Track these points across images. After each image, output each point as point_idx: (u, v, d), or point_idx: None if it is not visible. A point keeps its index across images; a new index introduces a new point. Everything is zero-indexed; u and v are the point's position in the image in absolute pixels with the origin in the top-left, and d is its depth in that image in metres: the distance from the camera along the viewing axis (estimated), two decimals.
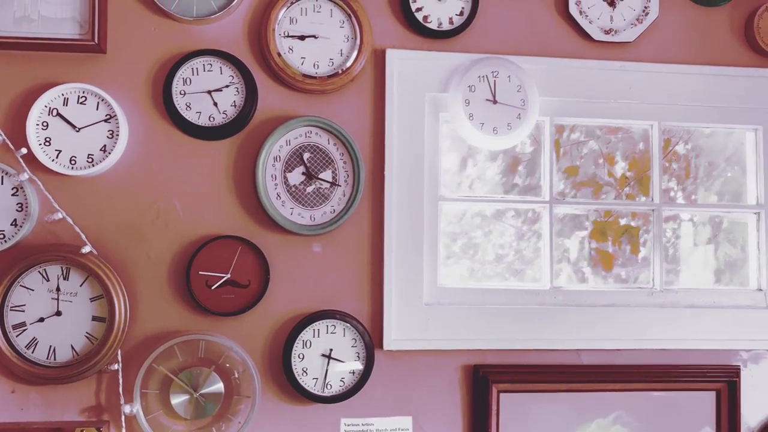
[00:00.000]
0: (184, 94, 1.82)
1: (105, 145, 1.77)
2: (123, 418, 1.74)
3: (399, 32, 1.93)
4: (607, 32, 1.99)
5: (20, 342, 1.73)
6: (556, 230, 2.05)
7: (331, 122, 1.85)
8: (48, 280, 1.74)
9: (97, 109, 1.77)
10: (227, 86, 1.83)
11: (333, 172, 1.87)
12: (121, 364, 1.76)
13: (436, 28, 1.92)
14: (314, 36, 1.87)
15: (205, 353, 1.77)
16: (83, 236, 1.75)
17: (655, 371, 1.97)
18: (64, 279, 1.74)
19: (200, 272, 1.79)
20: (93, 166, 1.76)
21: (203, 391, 1.76)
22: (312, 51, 1.86)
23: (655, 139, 2.07)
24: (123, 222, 1.81)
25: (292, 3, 1.86)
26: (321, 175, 1.86)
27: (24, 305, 1.73)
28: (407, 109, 1.90)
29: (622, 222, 2.15)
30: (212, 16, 1.82)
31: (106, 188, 1.81)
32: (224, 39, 1.86)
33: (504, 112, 1.92)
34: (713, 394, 2.00)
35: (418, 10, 1.92)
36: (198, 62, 1.82)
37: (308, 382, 1.82)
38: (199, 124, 1.82)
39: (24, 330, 1.73)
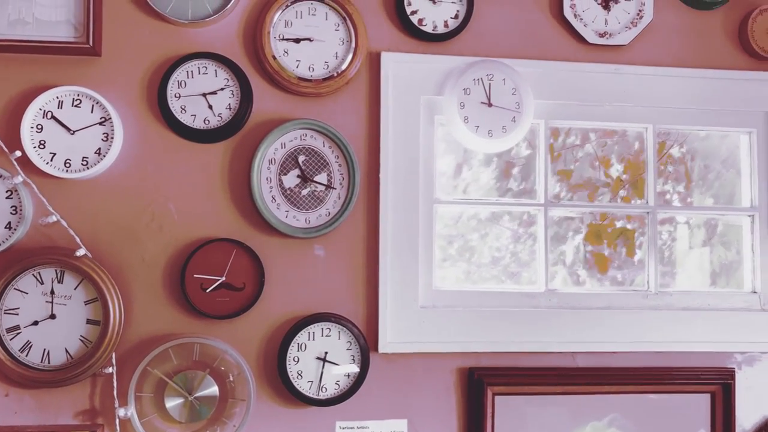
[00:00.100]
0: (179, 96, 1.82)
1: (100, 148, 1.77)
2: (117, 421, 1.74)
3: (394, 35, 1.94)
4: (601, 35, 2.00)
5: (14, 345, 1.72)
6: (551, 233, 2.05)
7: (326, 125, 1.85)
8: (42, 283, 1.73)
9: (91, 111, 1.77)
10: (222, 89, 1.83)
11: (328, 174, 1.87)
12: (115, 368, 1.76)
13: (431, 31, 1.93)
14: (309, 39, 1.87)
15: (200, 356, 1.77)
16: (78, 239, 1.75)
17: (650, 374, 1.98)
18: (59, 282, 1.74)
19: (195, 275, 1.79)
20: (87, 168, 1.76)
21: (198, 394, 1.75)
22: (307, 54, 1.86)
23: (649, 142, 2.08)
24: (118, 225, 1.81)
25: (287, 6, 1.86)
26: (316, 178, 1.86)
27: (18, 308, 1.72)
28: (402, 111, 1.91)
29: (618, 225, 2.15)
30: (207, 19, 1.82)
31: (101, 191, 1.81)
32: (219, 42, 1.86)
33: (499, 115, 1.92)
34: (708, 396, 2.00)
35: (413, 13, 1.92)
36: (193, 65, 1.83)
37: (303, 385, 1.82)
38: (194, 126, 1.82)
39: (18, 333, 1.72)
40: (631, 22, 2.02)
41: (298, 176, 1.85)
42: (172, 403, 1.75)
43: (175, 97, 1.82)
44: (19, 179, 1.72)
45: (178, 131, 1.83)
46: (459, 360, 1.92)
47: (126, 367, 1.78)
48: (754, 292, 2.09)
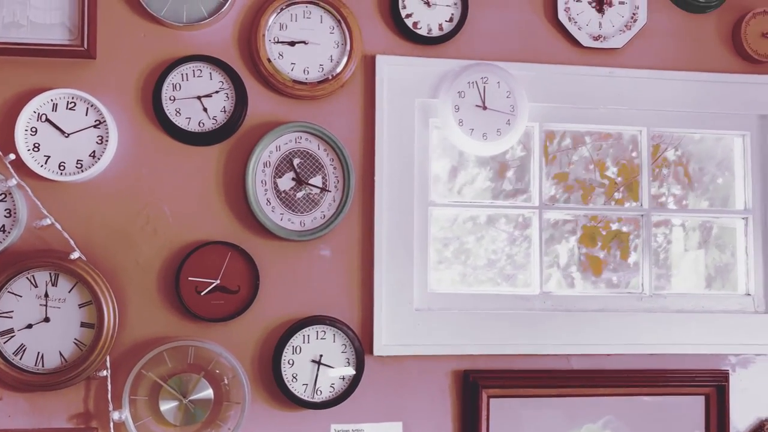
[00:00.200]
0: (174, 99, 1.82)
1: (94, 151, 1.77)
2: (112, 424, 1.73)
3: (389, 38, 1.94)
4: (596, 38, 2.01)
5: (8, 349, 1.72)
6: (546, 236, 2.05)
7: (321, 128, 1.85)
8: (36, 287, 1.73)
9: (86, 114, 1.77)
10: (217, 92, 1.83)
11: (323, 177, 1.87)
12: (109, 371, 1.75)
13: (425, 35, 1.93)
14: (304, 42, 1.87)
15: (195, 359, 1.77)
16: (72, 242, 1.75)
17: (644, 376, 1.98)
18: (53, 285, 1.73)
19: (190, 278, 1.79)
20: (82, 171, 1.76)
21: (192, 397, 1.75)
22: (302, 57, 1.87)
23: (644, 145, 2.09)
24: (112, 228, 1.81)
25: (282, 9, 1.86)
26: (311, 181, 1.86)
27: (12, 312, 1.72)
28: (397, 114, 1.91)
29: (613, 227, 2.16)
30: (202, 22, 1.82)
31: (96, 194, 1.81)
32: (214, 45, 1.86)
33: (493, 118, 1.92)
34: (702, 398, 2.01)
35: (408, 16, 1.93)
36: (188, 68, 1.83)
37: (298, 388, 1.82)
38: (189, 129, 1.82)
39: (12, 336, 1.72)
40: (625, 26, 2.02)
41: (293, 179, 1.86)
42: (166, 406, 1.74)
43: (170, 99, 1.82)
44: (13, 182, 1.72)
45: (173, 134, 1.83)
46: (454, 362, 1.92)
47: (120, 370, 1.77)
48: (748, 294, 2.10)
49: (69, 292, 1.74)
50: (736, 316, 2.04)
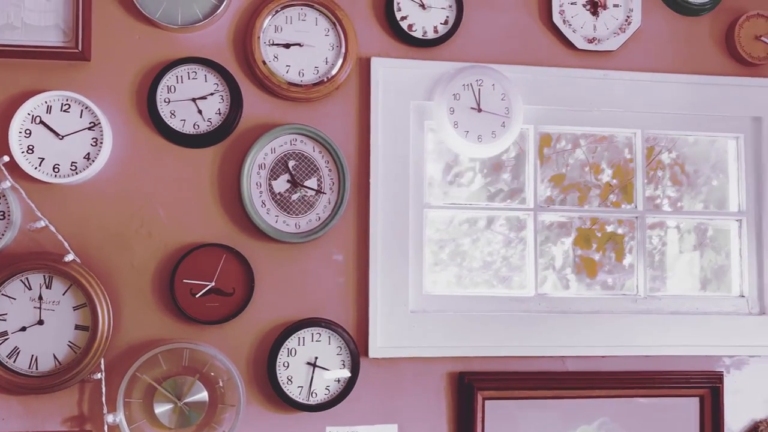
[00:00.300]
0: (169, 101, 1.82)
1: (89, 153, 1.76)
2: (106, 427, 1.73)
3: (384, 41, 1.94)
4: (590, 41, 2.01)
5: (2, 351, 1.71)
6: (541, 238, 2.06)
7: (316, 130, 1.85)
8: (30, 289, 1.73)
9: (80, 116, 1.76)
10: (212, 94, 1.83)
11: (318, 179, 1.87)
12: (104, 373, 1.75)
13: (421, 37, 1.93)
14: (299, 44, 1.87)
15: (190, 362, 1.77)
16: (66, 244, 1.74)
17: (639, 377, 1.98)
18: (47, 287, 1.73)
19: (184, 280, 1.79)
20: (76, 174, 1.75)
21: (187, 399, 1.75)
22: (297, 59, 1.87)
23: (638, 147, 2.09)
24: (107, 230, 1.80)
25: (277, 11, 1.87)
26: (306, 183, 1.86)
27: (6, 314, 1.71)
28: (392, 117, 1.91)
29: (608, 229, 2.16)
30: (197, 24, 1.82)
31: (90, 196, 1.80)
32: (209, 47, 1.86)
33: (488, 120, 1.93)
34: (697, 400, 2.01)
35: (403, 18, 1.93)
36: (182, 70, 1.82)
37: (293, 391, 1.81)
38: (184, 131, 1.82)
39: (5, 339, 1.71)
40: (620, 28, 2.03)
41: (288, 181, 1.85)
42: (161, 408, 1.74)
43: (165, 102, 1.82)
44: (7, 184, 1.72)
45: (168, 136, 1.83)
46: (449, 364, 1.92)
47: (115, 372, 1.77)
48: (742, 296, 2.10)
49: (63, 294, 1.73)
50: (730, 318, 2.04)
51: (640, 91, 2.03)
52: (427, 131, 1.99)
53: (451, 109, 1.91)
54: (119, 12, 1.84)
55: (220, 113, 1.83)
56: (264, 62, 1.85)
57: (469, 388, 1.89)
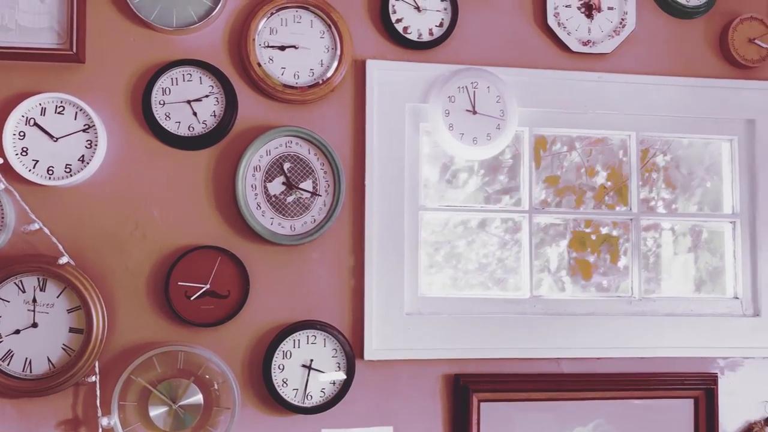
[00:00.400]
0: (164, 104, 1.81)
1: (83, 155, 1.76)
2: (101, 430, 1.72)
3: (379, 43, 1.94)
4: (585, 44, 2.02)
5: None
6: (536, 240, 2.06)
7: (311, 132, 1.85)
8: (24, 292, 1.72)
9: (75, 119, 1.76)
10: (207, 96, 1.83)
11: (313, 181, 1.87)
12: (98, 376, 1.74)
13: (416, 39, 1.94)
14: (294, 46, 1.87)
15: (184, 364, 1.76)
16: (60, 247, 1.74)
17: (634, 379, 1.99)
18: (41, 290, 1.72)
19: (179, 283, 1.78)
20: (71, 176, 1.75)
21: (182, 402, 1.74)
22: (292, 61, 1.87)
23: (633, 150, 2.10)
24: (101, 232, 1.80)
25: (272, 13, 1.86)
26: (301, 185, 1.86)
27: None
28: (387, 119, 1.91)
29: (603, 231, 2.17)
30: (192, 26, 1.82)
31: (84, 198, 1.80)
32: (204, 49, 1.86)
33: (483, 123, 1.93)
34: (691, 401, 2.02)
35: (398, 21, 1.93)
36: (177, 72, 1.82)
37: (288, 393, 1.81)
38: (179, 134, 1.82)
39: None
40: (614, 31, 2.04)
41: (284, 183, 1.85)
42: (156, 411, 1.73)
43: (160, 104, 1.81)
44: (0, 186, 1.71)
45: (163, 138, 1.82)
46: (444, 366, 1.92)
47: (109, 375, 1.76)
48: (736, 297, 2.11)
49: (57, 297, 1.73)
50: (724, 320, 2.05)
51: (635, 93, 2.04)
52: (423, 133, 1.99)
53: (447, 112, 1.92)
54: (114, 14, 1.83)
55: (215, 115, 1.83)
56: (259, 64, 1.85)
57: (465, 390, 1.89)
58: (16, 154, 1.73)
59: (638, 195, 2.10)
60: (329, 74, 1.87)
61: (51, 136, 1.75)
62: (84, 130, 1.76)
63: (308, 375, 1.82)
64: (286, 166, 1.86)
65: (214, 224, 1.84)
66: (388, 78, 1.92)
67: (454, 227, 2.11)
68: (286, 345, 1.82)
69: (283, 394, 1.80)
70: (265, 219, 1.83)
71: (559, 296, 2.08)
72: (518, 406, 1.94)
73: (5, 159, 1.72)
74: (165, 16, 1.81)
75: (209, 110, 1.83)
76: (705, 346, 2.02)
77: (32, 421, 1.75)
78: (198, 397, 1.75)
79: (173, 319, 1.80)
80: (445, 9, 1.95)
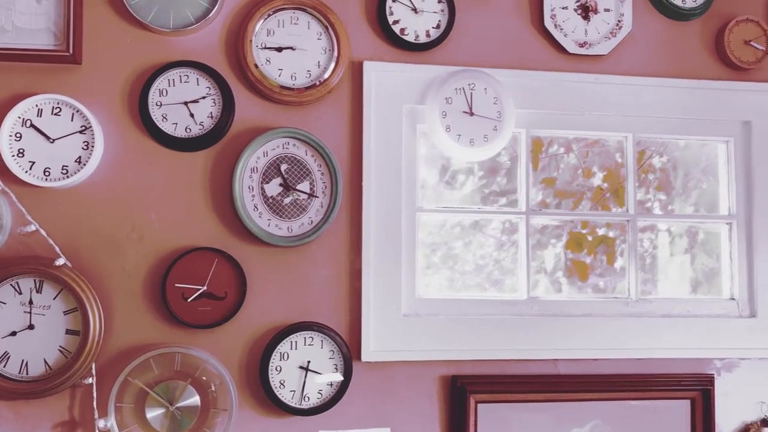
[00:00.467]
0: (161, 105, 1.81)
1: (80, 157, 1.76)
2: None
3: (376, 44, 1.94)
4: (581, 45, 2.02)
5: None
6: (533, 241, 2.06)
7: (308, 134, 1.85)
8: (20, 293, 1.71)
9: (72, 120, 1.76)
10: (204, 97, 1.83)
11: (311, 183, 1.87)
12: (95, 378, 1.74)
13: (413, 41, 1.94)
14: (291, 48, 1.87)
15: (181, 366, 1.76)
16: (57, 248, 1.73)
17: (631, 380, 1.99)
18: (37, 292, 1.72)
19: (176, 284, 1.78)
20: (67, 177, 1.74)
21: (179, 404, 1.74)
22: (289, 63, 1.87)
23: (629, 151, 2.10)
24: (98, 234, 1.79)
25: (269, 15, 1.86)
26: (298, 187, 1.86)
27: None
28: (384, 120, 1.91)
29: (600, 232, 2.17)
30: (189, 28, 1.82)
31: (81, 200, 1.79)
32: (201, 50, 1.86)
33: (480, 124, 1.93)
34: (688, 402, 2.02)
35: (395, 22, 1.93)
36: (174, 73, 1.82)
37: (286, 395, 1.81)
38: (176, 135, 1.81)
39: None
40: (611, 33, 2.04)
41: (281, 185, 1.85)
42: (153, 413, 1.73)
43: (157, 105, 1.81)
44: None
45: (160, 140, 1.82)
46: (442, 368, 1.92)
47: (106, 377, 1.76)
48: (733, 299, 2.11)
49: (54, 298, 1.72)
50: (721, 321, 2.05)
51: (631, 95, 2.04)
52: (420, 135, 1.99)
53: (444, 113, 1.92)
54: (110, 15, 1.83)
55: (212, 117, 1.83)
56: (256, 66, 1.84)
57: (462, 391, 1.89)
58: (13, 156, 1.73)
59: (635, 196, 2.10)
60: (326, 76, 1.87)
61: (47, 138, 1.75)
62: (81, 132, 1.76)
63: (305, 377, 1.82)
64: (284, 167, 1.86)
65: (211, 226, 1.84)
66: (385, 79, 1.92)
67: (451, 228, 2.11)
68: (284, 347, 1.81)
69: (280, 396, 1.80)
70: (262, 220, 1.83)
71: (555, 297, 2.08)
72: (515, 407, 1.94)
73: (1, 160, 1.71)
74: (162, 17, 1.81)
75: (206, 112, 1.82)
76: (701, 347, 2.03)
77: (28, 423, 1.74)
78: (195, 399, 1.75)
79: (170, 320, 1.80)
80: (442, 11, 1.95)
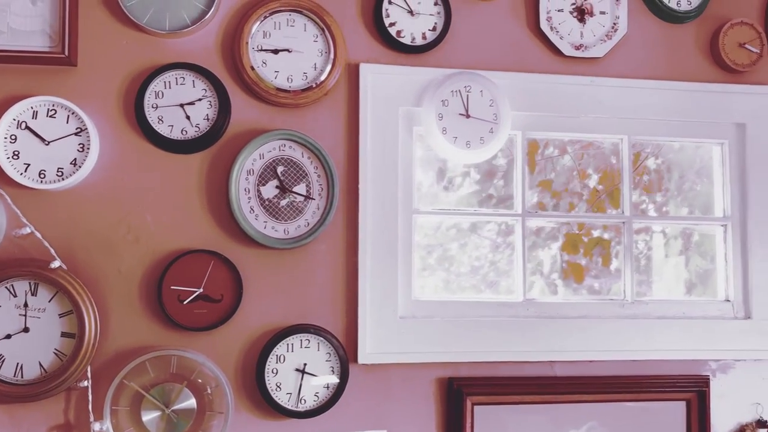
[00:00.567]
0: (157, 107, 1.81)
1: (75, 159, 1.75)
2: None
3: (373, 47, 1.95)
4: (577, 48, 2.03)
5: None
6: (529, 243, 2.07)
7: (304, 136, 1.85)
8: (15, 296, 1.71)
9: (67, 122, 1.75)
10: (200, 99, 1.82)
11: (307, 185, 1.87)
12: (90, 381, 1.73)
13: (409, 43, 1.94)
14: (288, 50, 1.87)
15: (177, 369, 1.75)
16: (52, 251, 1.73)
17: (627, 382, 2.00)
18: (32, 294, 1.71)
19: (172, 287, 1.78)
20: (63, 179, 1.74)
21: (175, 407, 1.73)
22: (285, 65, 1.86)
23: (625, 153, 2.11)
24: (93, 236, 1.79)
25: (265, 17, 1.86)
26: (295, 189, 1.86)
27: None
28: (381, 122, 1.91)
29: (595, 234, 2.18)
30: (185, 30, 1.82)
31: (77, 202, 1.79)
32: (197, 52, 1.86)
33: (477, 126, 1.94)
34: (683, 404, 2.03)
35: (392, 25, 1.93)
36: (170, 75, 1.82)
37: (282, 397, 1.81)
38: (172, 137, 1.81)
39: None
40: (606, 35, 2.05)
41: (277, 187, 1.85)
42: (148, 416, 1.73)
43: (152, 107, 1.81)
44: None
45: (156, 142, 1.82)
46: (438, 370, 1.92)
47: (102, 380, 1.75)
48: (728, 300, 2.12)
49: (49, 301, 1.72)
50: (716, 322, 2.06)
51: (627, 97, 2.05)
52: (416, 137, 2.00)
53: (440, 115, 1.92)
54: (106, 17, 1.83)
55: (208, 119, 1.82)
56: (252, 68, 1.84)
57: (458, 393, 1.90)
58: (8, 158, 1.72)
59: (630, 198, 2.11)
60: (323, 78, 1.87)
61: (43, 140, 1.74)
62: (76, 134, 1.75)
63: (302, 379, 1.82)
64: (280, 169, 1.86)
65: (207, 228, 1.84)
66: (382, 82, 1.92)
67: (447, 230, 2.11)
68: (280, 349, 1.81)
69: (276, 399, 1.80)
70: (258, 223, 1.83)
71: (551, 299, 2.09)
72: (512, 409, 1.94)
73: None
74: (158, 19, 1.81)
75: (202, 114, 1.82)
76: (697, 348, 2.03)
77: (23, 426, 1.74)
78: (191, 402, 1.74)
79: (166, 323, 1.79)
80: (439, 13, 1.96)
